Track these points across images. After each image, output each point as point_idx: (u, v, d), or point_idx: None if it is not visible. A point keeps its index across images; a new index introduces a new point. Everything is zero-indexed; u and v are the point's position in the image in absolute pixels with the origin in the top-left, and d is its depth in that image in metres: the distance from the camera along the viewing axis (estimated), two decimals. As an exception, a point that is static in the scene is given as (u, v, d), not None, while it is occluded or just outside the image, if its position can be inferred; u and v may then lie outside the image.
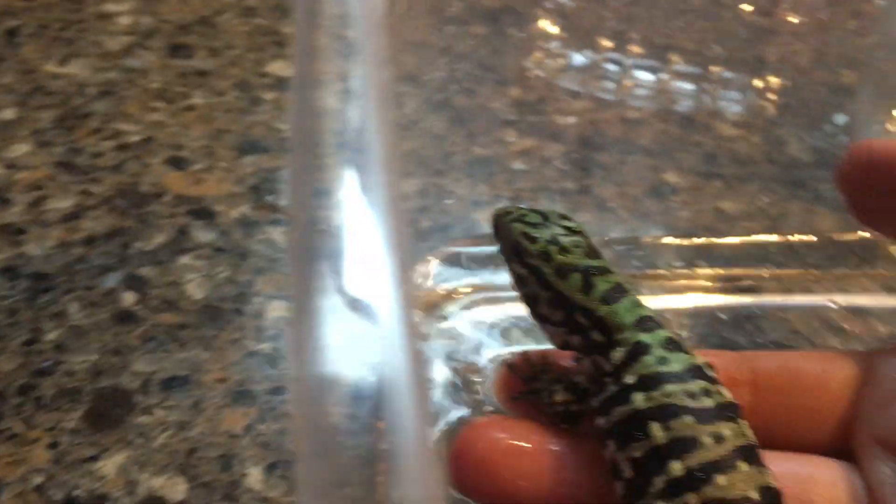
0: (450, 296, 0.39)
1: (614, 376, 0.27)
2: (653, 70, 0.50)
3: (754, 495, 0.24)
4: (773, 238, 0.42)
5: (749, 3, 0.50)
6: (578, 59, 0.50)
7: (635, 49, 0.50)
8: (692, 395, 0.26)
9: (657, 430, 0.25)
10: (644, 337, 0.27)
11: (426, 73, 0.48)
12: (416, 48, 0.49)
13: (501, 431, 0.29)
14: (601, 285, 0.28)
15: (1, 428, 0.33)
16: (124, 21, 0.54)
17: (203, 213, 0.42)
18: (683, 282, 0.40)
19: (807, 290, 0.40)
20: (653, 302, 0.39)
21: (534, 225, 0.30)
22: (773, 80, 0.50)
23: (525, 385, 0.30)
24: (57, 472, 0.32)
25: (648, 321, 0.28)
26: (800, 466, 0.29)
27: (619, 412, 0.26)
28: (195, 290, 0.39)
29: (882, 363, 0.30)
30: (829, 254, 0.41)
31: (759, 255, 0.41)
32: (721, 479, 0.24)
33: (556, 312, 0.29)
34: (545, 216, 0.31)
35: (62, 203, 0.42)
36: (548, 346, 0.30)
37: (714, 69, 0.50)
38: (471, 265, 0.40)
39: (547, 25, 0.50)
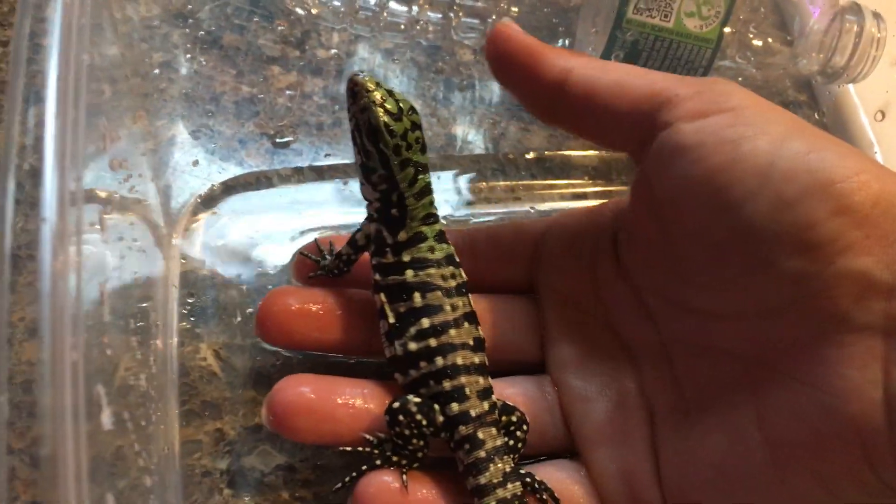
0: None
1: (394, 250, 0.38)
2: (406, 1, 0.56)
3: (469, 341, 0.37)
4: (490, 154, 0.51)
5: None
6: (340, -9, 0.56)
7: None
8: (444, 278, 0.38)
9: (418, 298, 0.37)
10: (425, 229, 0.38)
11: (196, 10, 0.53)
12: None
13: (290, 297, 0.40)
14: (421, 182, 0.38)
15: None
16: None
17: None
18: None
19: (515, 199, 0.50)
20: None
21: (393, 116, 0.37)
22: (512, 8, 0.58)
23: (316, 266, 0.42)
24: None
25: (431, 217, 0.39)
26: (497, 302, 0.42)
27: (393, 278, 0.38)
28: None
29: (548, 232, 0.43)
30: (531, 171, 0.50)
31: (478, 170, 0.50)
32: (452, 332, 0.37)
33: (382, 184, 0.38)
34: (400, 107, 0.37)
35: None
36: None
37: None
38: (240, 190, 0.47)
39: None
